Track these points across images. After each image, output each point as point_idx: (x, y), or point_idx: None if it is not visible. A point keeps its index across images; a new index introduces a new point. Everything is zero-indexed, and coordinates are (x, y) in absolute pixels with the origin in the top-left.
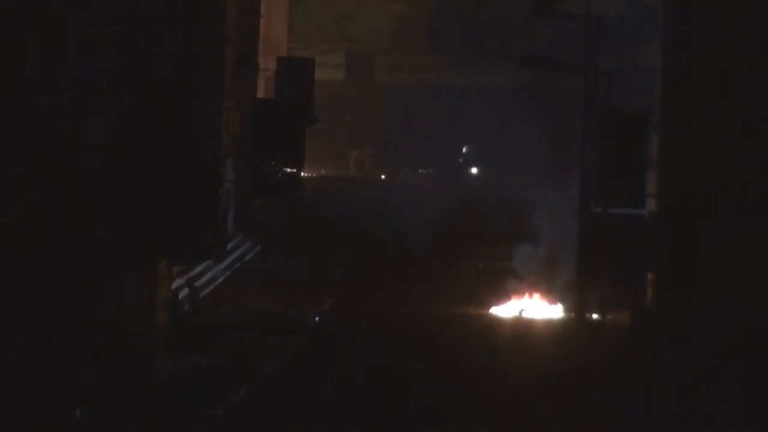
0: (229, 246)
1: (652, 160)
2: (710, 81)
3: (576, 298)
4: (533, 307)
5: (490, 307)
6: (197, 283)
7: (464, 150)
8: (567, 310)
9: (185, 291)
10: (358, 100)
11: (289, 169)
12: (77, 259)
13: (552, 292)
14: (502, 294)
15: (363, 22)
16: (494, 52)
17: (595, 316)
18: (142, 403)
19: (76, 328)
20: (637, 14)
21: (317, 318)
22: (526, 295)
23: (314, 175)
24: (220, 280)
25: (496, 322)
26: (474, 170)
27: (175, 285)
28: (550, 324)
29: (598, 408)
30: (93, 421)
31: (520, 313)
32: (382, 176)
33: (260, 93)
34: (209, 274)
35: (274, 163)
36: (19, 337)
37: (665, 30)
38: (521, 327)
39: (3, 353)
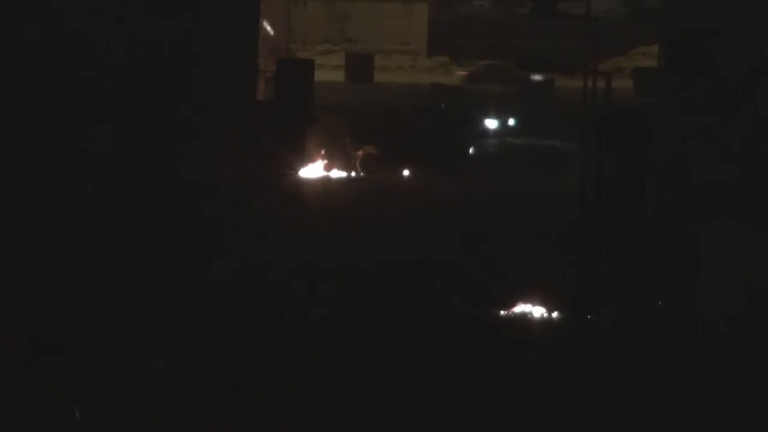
0: None
1: (652, 160)
2: (710, 79)
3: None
4: None
5: None
6: None
7: (471, 151)
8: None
9: None
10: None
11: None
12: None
13: None
14: None
15: (363, 23)
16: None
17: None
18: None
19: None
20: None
21: None
22: None
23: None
24: None
25: None
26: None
27: None
28: None
29: None
30: (93, 421)
31: None
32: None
33: (260, 94)
34: None
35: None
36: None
37: (664, 30)
38: None
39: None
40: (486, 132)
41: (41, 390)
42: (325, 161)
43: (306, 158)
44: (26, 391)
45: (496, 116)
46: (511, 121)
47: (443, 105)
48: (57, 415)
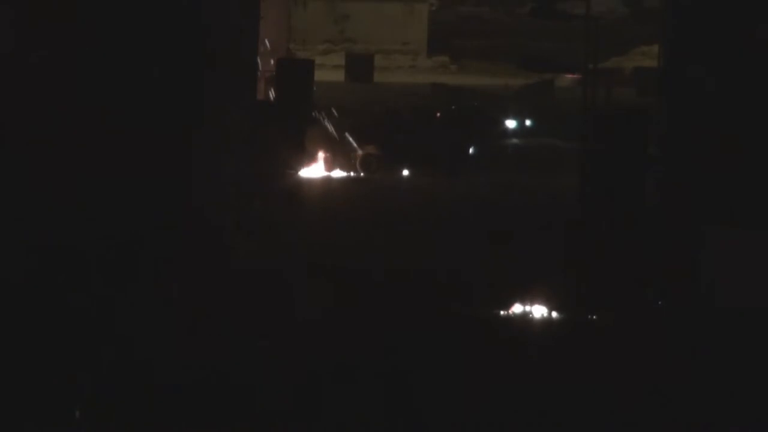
0: None
1: (653, 159)
2: (712, 80)
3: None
4: None
5: None
6: None
7: (471, 151)
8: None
9: None
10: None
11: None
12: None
13: None
14: None
15: (363, 23)
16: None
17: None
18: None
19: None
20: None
21: None
22: None
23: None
24: None
25: None
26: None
27: None
28: None
29: None
30: (93, 421)
31: None
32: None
33: (260, 94)
34: None
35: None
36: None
37: (664, 30)
38: None
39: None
40: (491, 131)
41: (42, 390)
42: (325, 161)
43: (306, 158)
44: (26, 391)
45: (499, 116)
46: (514, 122)
47: (453, 107)
48: (57, 415)
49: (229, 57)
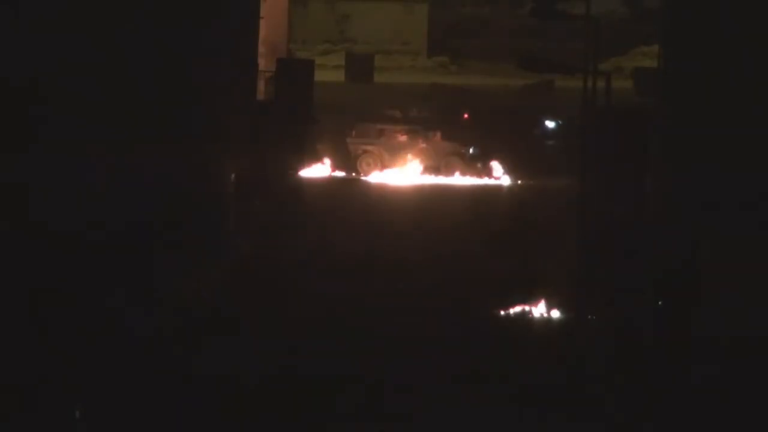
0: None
1: (653, 160)
2: (711, 80)
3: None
4: None
5: None
6: None
7: (471, 151)
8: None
9: None
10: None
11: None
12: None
13: None
14: None
15: (363, 23)
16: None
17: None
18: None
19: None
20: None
21: None
22: None
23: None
24: None
25: None
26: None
27: None
28: None
29: None
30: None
31: None
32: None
33: (260, 94)
34: None
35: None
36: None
37: (664, 30)
38: None
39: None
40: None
41: (41, 390)
42: (326, 161)
43: (306, 158)
44: (26, 391)
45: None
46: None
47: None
48: (58, 415)
49: (229, 58)
